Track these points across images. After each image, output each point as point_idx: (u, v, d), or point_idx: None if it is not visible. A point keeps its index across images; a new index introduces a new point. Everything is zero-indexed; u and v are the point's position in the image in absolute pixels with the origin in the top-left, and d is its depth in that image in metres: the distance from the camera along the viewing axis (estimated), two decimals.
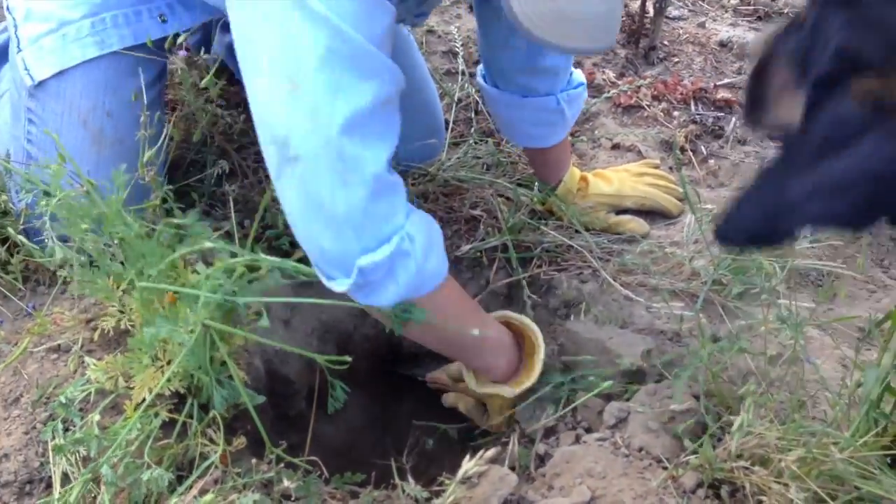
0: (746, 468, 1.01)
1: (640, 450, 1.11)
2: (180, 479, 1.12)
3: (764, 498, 0.98)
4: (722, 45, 2.41)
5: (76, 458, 1.10)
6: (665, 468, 1.08)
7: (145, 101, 1.39)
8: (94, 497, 1.05)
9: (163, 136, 1.38)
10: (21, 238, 1.32)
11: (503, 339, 1.27)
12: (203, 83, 1.35)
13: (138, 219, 1.21)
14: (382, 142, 1.00)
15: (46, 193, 1.17)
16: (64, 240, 1.23)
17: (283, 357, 1.53)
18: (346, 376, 1.33)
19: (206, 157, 1.64)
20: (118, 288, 1.20)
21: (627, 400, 1.23)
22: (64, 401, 1.04)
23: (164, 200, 1.38)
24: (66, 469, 1.10)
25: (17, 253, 1.37)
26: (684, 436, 1.14)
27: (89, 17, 1.37)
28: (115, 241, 1.18)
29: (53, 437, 1.11)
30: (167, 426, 1.14)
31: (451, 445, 1.47)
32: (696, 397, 1.20)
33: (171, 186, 1.42)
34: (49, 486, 1.11)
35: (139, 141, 1.33)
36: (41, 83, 1.37)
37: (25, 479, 1.11)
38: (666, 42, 2.41)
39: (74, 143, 1.37)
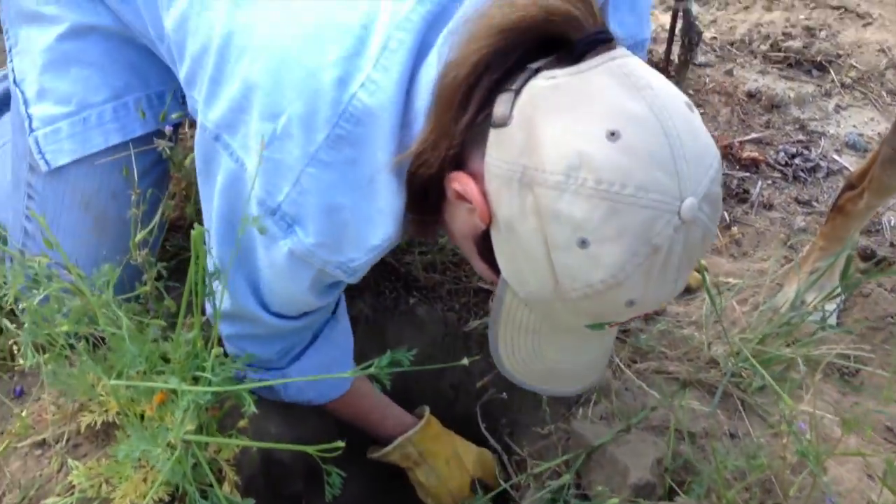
0: None
1: None
2: None
3: None
4: (750, 95, 2.32)
5: None
6: None
7: (150, 181, 1.33)
8: None
9: (158, 214, 1.32)
10: (5, 322, 1.27)
11: (403, 422, 1.45)
12: (188, 160, 1.28)
13: (127, 306, 1.16)
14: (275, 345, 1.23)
15: (35, 282, 1.12)
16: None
17: (278, 439, 1.47)
18: (343, 455, 1.27)
19: None
20: (101, 385, 1.15)
21: None
22: None
23: (159, 278, 1.32)
24: None
25: (6, 331, 1.33)
26: None
27: (111, 101, 1.28)
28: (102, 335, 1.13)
29: None
30: None
31: None
32: None
33: (165, 264, 1.37)
34: None
35: (138, 221, 1.28)
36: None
37: None
38: (691, 91, 2.32)
39: (74, 225, 1.32)
